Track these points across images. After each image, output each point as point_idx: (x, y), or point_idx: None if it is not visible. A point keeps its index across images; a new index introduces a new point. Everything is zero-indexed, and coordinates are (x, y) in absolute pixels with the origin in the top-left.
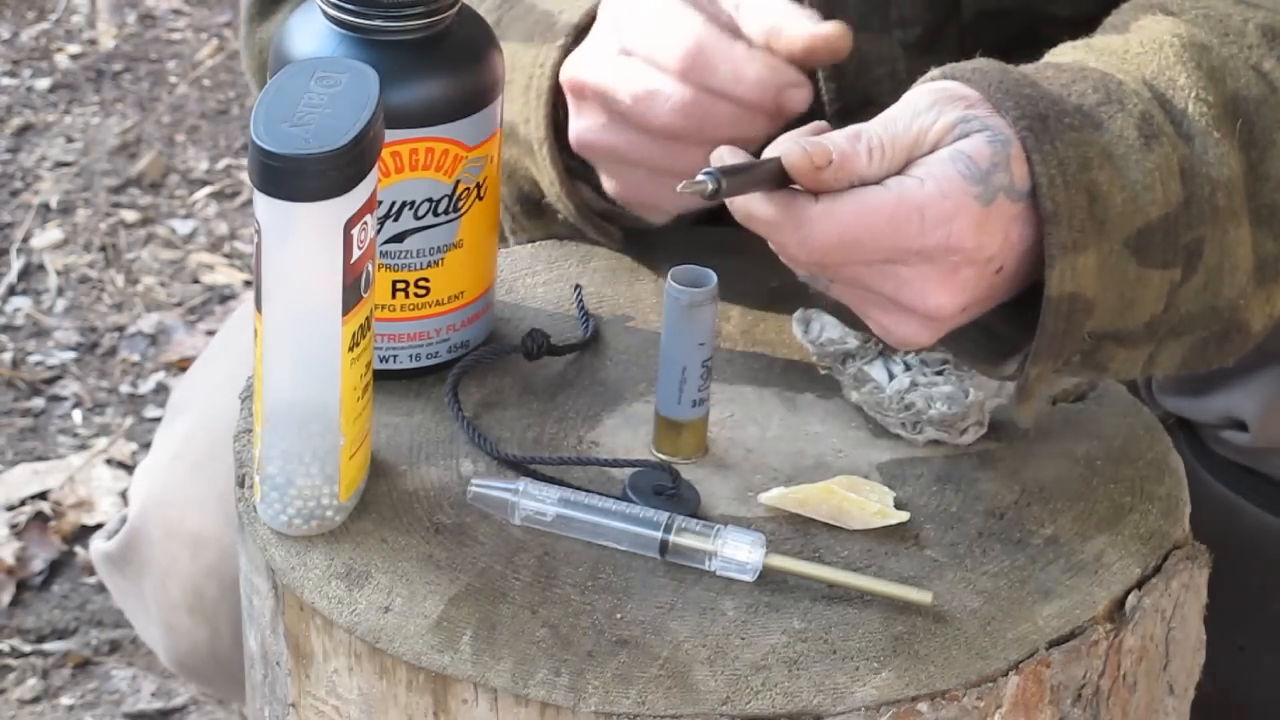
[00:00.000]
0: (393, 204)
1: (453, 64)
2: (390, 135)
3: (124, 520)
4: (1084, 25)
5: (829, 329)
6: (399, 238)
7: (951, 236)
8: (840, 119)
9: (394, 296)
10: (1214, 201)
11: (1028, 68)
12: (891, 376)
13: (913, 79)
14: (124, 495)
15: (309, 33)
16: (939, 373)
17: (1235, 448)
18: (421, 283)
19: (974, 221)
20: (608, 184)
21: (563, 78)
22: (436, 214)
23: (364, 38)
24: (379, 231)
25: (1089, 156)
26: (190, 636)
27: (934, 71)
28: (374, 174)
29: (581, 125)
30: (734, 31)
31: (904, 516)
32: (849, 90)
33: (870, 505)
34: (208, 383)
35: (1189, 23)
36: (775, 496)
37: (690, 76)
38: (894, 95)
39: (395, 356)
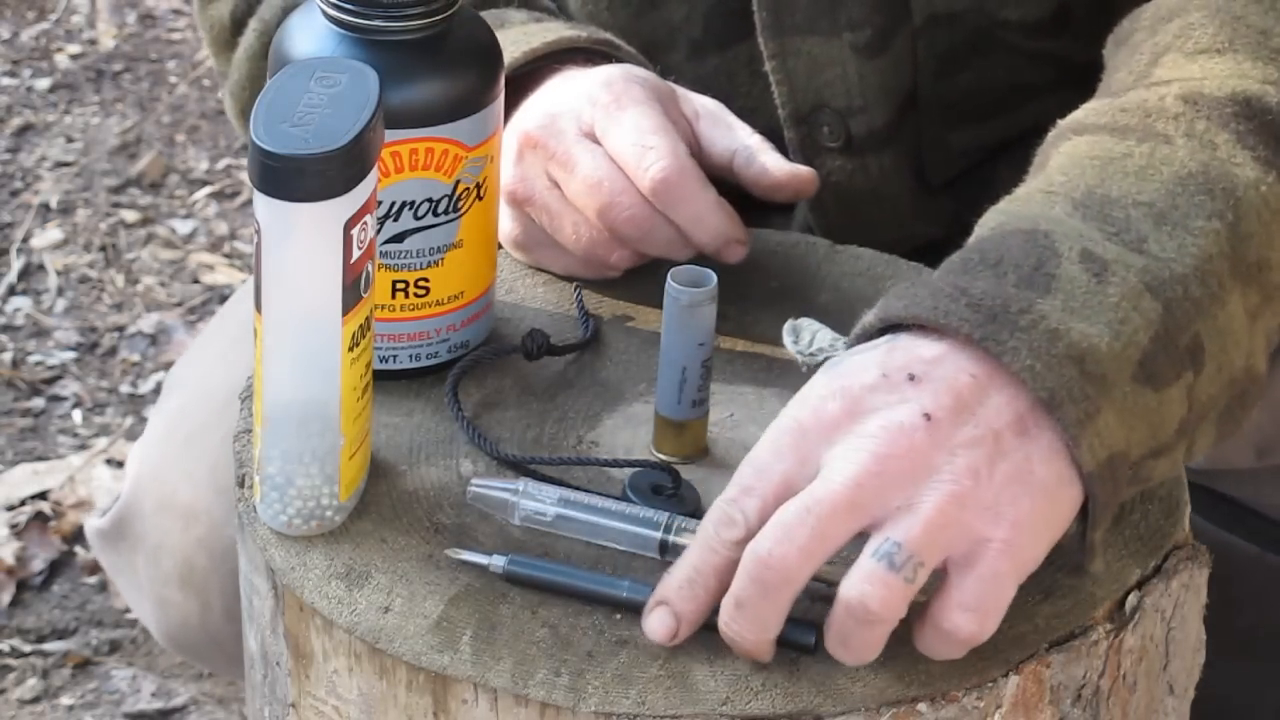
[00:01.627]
0: (392, 204)
1: (452, 64)
2: (390, 135)
3: (118, 497)
4: (1034, 29)
5: (819, 337)
6: (399, 238)
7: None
8: (792, 123)
9: (394, 296)
10: (1191, 296)
11: (947, 269)
12: None
13: (863, 81)
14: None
15: (309, 33)
16: None
17: (1189, 468)
18: (421, 283)
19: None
20: (508, 225)
21: (521, 126)
22: (436, 214)
23: (364, 38)
24: (379, 231)
25: (1054, 326)
26: (181, 610)
27: (869, 319)
28: (374, 174)
29: (521, 176)
30: (691, 139)
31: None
32: (800, 94)
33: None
34: (201, 361)
35: (1107, 131)
36: None
37: (655, 199)
38: (845, 99)
39: (395, 356)
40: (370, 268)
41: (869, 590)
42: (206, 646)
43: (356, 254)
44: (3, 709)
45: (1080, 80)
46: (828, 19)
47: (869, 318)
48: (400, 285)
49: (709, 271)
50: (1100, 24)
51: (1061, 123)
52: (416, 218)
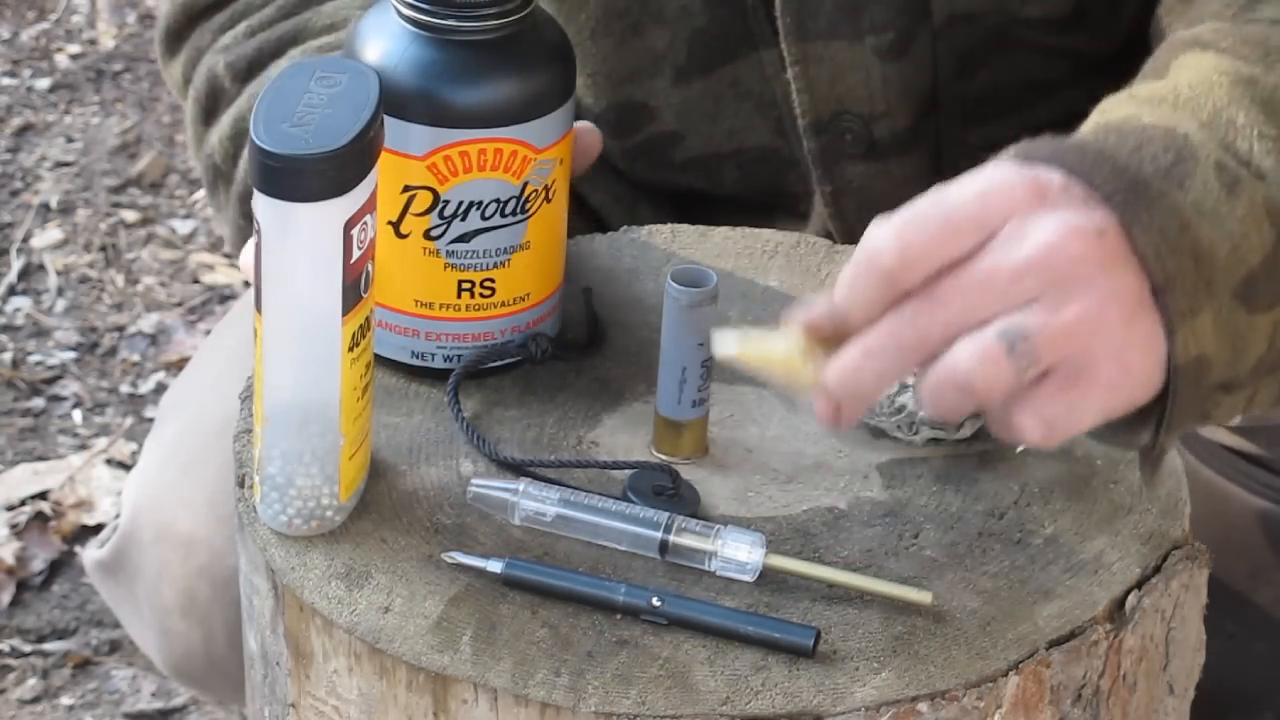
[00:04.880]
0: (460, 204)
1: (524, 65)
2: (459, 135)
3: (116, 528)
4: (1053, 25)
5: None
6: (466, 237)
7: None
8: (812, 132)
9: (459, 296)
10: None
11: (1087, 137)
12: None
13: (886, 85)
14: (121, 502)
15: (382, 32)
16: None
17: (1225, 429)
18: (487, 283)
19: None
20: None
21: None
22: (504, 215)
23: (436, 37)
24: (445, 231)
25: (1186, 219)
26: (185, 640)
27: (1009, 150)
28: (373, 175)
29: None
30: None
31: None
32: (821, 101)
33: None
34: (196, 386)
35: (1230, 55)
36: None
37: None
38: (867, 103)
39: (459, 356)
40: (370, 268)
41: (978, 367)
42: (211, 675)
43: (357, 254)
44: (3, 709)
45: (1094, 75)
46: (850, 23)
47: (1008, 154)
48: (466, 285)
49: (709, 271)
50: (1115, 18)
51: (1179, 34)
52: (484, 218)
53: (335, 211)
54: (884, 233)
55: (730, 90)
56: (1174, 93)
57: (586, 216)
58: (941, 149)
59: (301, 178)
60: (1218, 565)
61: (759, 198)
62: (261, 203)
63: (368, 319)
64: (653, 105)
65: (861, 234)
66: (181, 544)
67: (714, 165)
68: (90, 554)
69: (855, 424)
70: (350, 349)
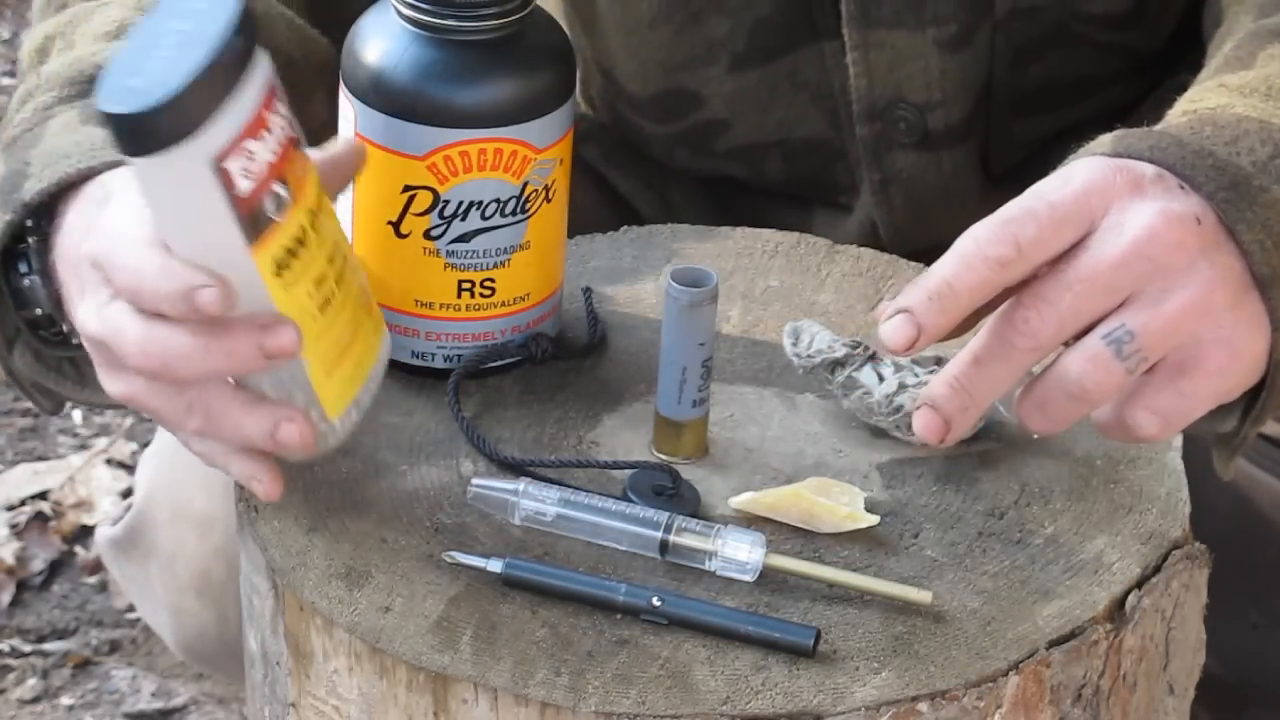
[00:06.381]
0: (460, 203)
1: (524, 65)
2: (459, 135)
3: (130, 506)
4: (1114, 23)
5: (818, 339)
6: (466, 237)
7: None
8: (866, 119)
9: (459, 296)
10: None
11: (1183, 130)
12: (881, 379)
13: (944, 76)
14: (124, 495)
15: (382, 32)
16: (930, 372)
17: None
18: (487, 283)
19: None
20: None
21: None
22: (504, 215)
23: (437, 37)
24: (445, 231)
25: None
26: (198, 619)
27: (1102, 142)
28: (247, 99)
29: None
30: None
31: (873, 520)
32: (879, 88)
33: (840, 509)
34: None
35: None
36: (745, 501)
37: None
38: (925, 93)
39: (459, 356)
40: (281, 189)
41: (1089, 370)
42: (224, 656)
43: (245, 184)
44: (3, 709)
45: (1139, 73)
46: (914, 13)
47: (1099, 148)
48: (466, 285)
49: (709, 271)
50: (1169, 16)
51: (1260, 22)
52: (484, 218)
53: (193, 152)
54: (990, 225)
55: (786, 80)
56: (1265, 83)
57: (617, 204)
58: (990, 141)
59: (143, 130)
60: (1243, 555)
61: (798, 189)
62: (129, 167)
63: (300, 238)
64: (703, 93)
65: (907, 225)
66: (197, 523)
67: (758, 154)
68: (103, 531)
69: (963, 436)
70: (278, 274)
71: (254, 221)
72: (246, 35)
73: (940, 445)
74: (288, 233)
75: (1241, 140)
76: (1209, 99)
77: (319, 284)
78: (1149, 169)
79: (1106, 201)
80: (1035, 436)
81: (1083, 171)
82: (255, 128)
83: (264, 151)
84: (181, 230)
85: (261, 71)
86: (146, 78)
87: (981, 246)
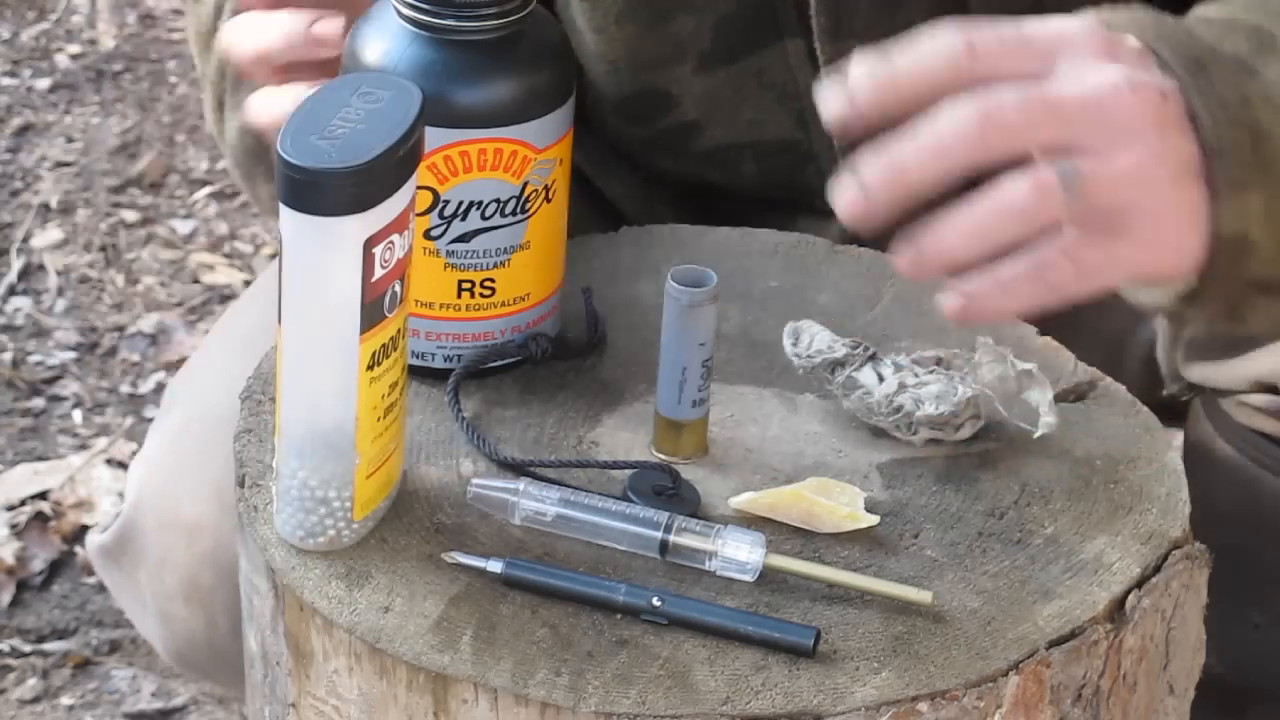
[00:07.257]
0: (460, 203)
1: (524, 65)
2: (459, 135)
3: (119, 513)
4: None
5: (818, 339)
6: (465, 237)
7: None
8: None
9: (459, 296)
10: None
11: (1174, 20)
12: (881, 379)
13: None
14: (124, 496)
15: (382, 32)
16: (930, 372)
17: (1262, 414)
18: (487, 283)
19: None
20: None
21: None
22: (504, 215)
23: (436, 37)
24: (445, 231)
25: (1248, 96)
26: (187, 626)
27: (1091, 11)
28: (405, 194)
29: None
30: None
31: (873, 520)
32: None
33: (840, 509)
34: (202, 375)
35: None
36: (745, 501)
37: None
38: None
39: (459, 356)
40: (399, 287)
41: (1031, 194)
42: (213, 662)
43: (380, 273)
44: (3, 709)
45: None
46: (886, 23)
47: (1087, 13)
48: (466, 285)
49: (709, 271)
50: None
51: None
52: (484, 218)
53: (355, 228)
54: (950, 27)
55: (754, 80)
56: (1272, 2)
57: (605, 210)
58: None
59: (320, 192)
60: (1246, 554)
61: (778, 193)
62: (284, 214)
63: (394, 338)
64: (674, 93)
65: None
66: (185, 530)
67: (732, 157)
68: (93, 539)
69: (885, 213)
70: (370, 368)
71: (373, 310)
72: (422, 130)
73: (860, 219)
74: (388, 332)
75: (1228, 35)
76: (1212, 10)
77: (391, 389)
78: (1132, 41)
79: (1078, 51)
80: (1036, 436)
81: (1063, 21)
82: (402, 223)
83: (400, 248)
84: (307, 293)
85: (416, 171)
86: (331, 141)
87: (935, 38)
